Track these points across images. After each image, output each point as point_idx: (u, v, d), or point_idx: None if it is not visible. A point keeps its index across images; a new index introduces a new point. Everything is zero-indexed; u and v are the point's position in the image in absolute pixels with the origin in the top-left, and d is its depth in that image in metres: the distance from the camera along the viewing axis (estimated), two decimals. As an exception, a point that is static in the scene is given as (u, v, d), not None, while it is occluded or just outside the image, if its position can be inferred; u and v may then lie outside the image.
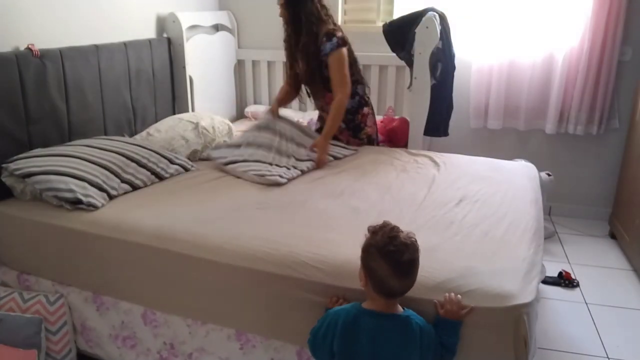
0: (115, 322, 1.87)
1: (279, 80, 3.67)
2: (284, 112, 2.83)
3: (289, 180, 2.22)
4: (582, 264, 2.83)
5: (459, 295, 1.38)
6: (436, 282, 1.42)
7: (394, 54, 3.04)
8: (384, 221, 1.36)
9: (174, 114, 3.12)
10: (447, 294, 1.38)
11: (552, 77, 3.14)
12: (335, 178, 2.27)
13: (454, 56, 2.91)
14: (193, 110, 3.25)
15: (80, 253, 1.86)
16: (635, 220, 2.69)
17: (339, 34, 2.55)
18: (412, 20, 2.79)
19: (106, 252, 1.81)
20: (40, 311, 1.86)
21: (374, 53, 3.32)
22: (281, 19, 2.60)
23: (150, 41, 2.88)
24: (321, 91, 2.69)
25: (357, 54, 2.70)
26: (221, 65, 3.65)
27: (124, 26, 2.76)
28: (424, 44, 2.71)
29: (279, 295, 1.57)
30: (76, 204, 1.91)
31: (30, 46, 2.14)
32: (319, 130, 2.78)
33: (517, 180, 2.24)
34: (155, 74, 2.93)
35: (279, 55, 3.56)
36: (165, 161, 2.31)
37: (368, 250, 1.32)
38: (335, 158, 2.53)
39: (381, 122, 3.09)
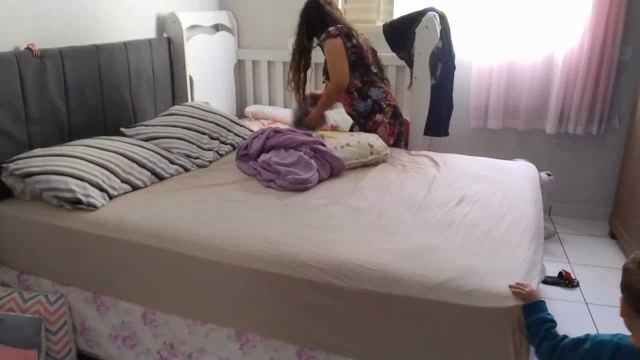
0: (115, 322, 1.87)
1: (279, 80, 3.67)
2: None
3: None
4: (582, 264, 2.82)
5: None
6: (436, 282, 1.42)
7: (394, 54, 3.04)
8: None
9: (174, 113, 3.13)
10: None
11: (552, 77, 3.14)
12: (335, 178, 2.27)
13: (454, 56, 2.91)
14: (193, 110, 3.25)
15: (80, 253, 1.86)
16: (635, 220, 2.69)
17: (339, 26, 2.62)
18: (412, 20, 2.79)
19: (106, 252, 1.81)
20: (40, 311, 1.86)
21: (374, 53, 3.32)
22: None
23: (150, 41, 2.88)
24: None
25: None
26: (221, 65, 3.65)
27: (124, 26, 2.76)
28: (424, 43, 2.72)
29: (279, 295, 1.57)
30: (76, 204, 1.91)
31: (30, 46, 2.14)
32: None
33: (517, 180, 2.24)
34: (155, 74, 2.93)
35: (279, 55, 3.59)
36: (165, 161, 2.31)
37: (627, 268, 1.19)
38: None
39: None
